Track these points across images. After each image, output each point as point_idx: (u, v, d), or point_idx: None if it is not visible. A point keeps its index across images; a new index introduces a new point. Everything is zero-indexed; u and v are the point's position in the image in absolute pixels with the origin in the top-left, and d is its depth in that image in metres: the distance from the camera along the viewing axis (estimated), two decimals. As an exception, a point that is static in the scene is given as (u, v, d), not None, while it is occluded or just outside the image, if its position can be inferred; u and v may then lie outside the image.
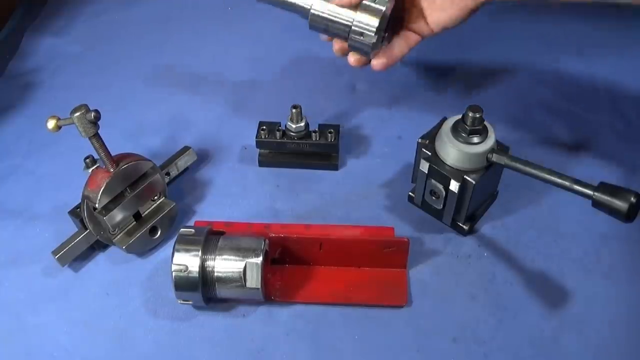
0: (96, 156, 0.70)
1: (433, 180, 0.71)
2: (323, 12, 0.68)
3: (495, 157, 0.67)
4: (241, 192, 0.82)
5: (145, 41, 1.08)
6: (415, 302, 0.69)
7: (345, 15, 0.68)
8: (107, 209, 0.69)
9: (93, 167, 0.71)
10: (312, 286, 0.70)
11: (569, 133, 0.88)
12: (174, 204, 0.76)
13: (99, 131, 0.67)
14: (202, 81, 1.00)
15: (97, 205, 0.68)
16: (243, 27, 1.11)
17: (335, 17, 0.68)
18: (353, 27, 0.67)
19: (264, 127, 0.81)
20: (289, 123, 0.80)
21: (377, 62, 0.72)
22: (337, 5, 0.68)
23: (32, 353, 0.67)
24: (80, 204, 0.71)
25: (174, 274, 0.64)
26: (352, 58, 0.72)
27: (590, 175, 0.64)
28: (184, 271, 0.64)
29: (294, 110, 0.79)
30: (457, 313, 0.68)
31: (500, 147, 0.70)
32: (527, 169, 0.66)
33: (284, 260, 0.72)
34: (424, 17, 0.71)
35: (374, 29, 0.67)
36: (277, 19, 1.13)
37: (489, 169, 0.69)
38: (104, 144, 0.68)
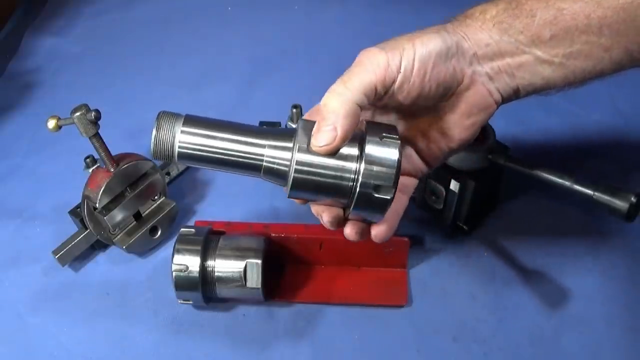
0: (96, 156, 0.70)
1: (433, 180, 0.71)
2: (311, 168, 0.47)
3: (495, 157, 0.67)
4: (241, 192, 0.82)
5: (145, 41, 1.08)
6: (415, 302, 0.69)
7: (346, 168, 0.47)
8: (107, 208, 0.69)
9: (93, 167, 0.71)
10: (312, 286, 0.70)
11: (568, 133, 0.88)
12: (174, 204, 0.76)
13: (99, 131, 0.67)
14: (202, 81, 1.00)
15: (97, 205, 0.68)
16: (243, 27, 1.11)
17: (330, 172, 0.47)
18: (360, 184, 0.46)
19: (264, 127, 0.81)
20: (289, 123, 0.80)
21: (379, 230, 0.50)
22: (326, 151, 0.46)
23: (32, 353, 0.67)
24: (80, 203, 0.71)
25: (174, 273, 0.64)
26: (352, 230, 0.50)
27: (590, 175, 0.64)
28: (184, 271, 0.64)
29: (294, 110, 0.79)
30: (457, 313, 0.68)
31: (500, 147, 0.70)
32: (527, 168, 0.66)
33: (284, 260, 0.72)
34: (420, 157, 0.55)
35: (392, 180, 0.46)
36: (277, 20, 1.14)
37: (489, 169, 0.69)
38: (104, 143, 0.68)
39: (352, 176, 0.47)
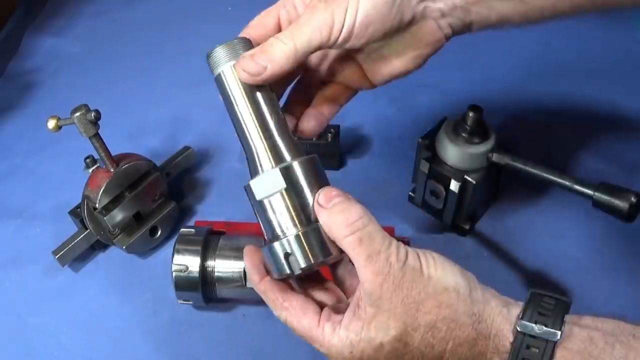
0: (96, 156, 0.70)
1: (433, 180, 0.71)
2: (270, 198, 0.48)
3: (495, 157, 0.67)
4: (241, 192, 0.81)
5: (145, 41, 1.08)
6: (415, 302, 0.69)
7: (285, 219, 0.47)
8: (107, 209, 0.69)
9: (93, 167, 0.71)
10: (312, 286, 0.70)
11: (568, 133, 0.88)
12: (174, 204, 0.76)
13: (99, 131, 0.67)
14: (202, 81, 0.99)
15: (97, 205, 0.68)
16: (243, 27, 1.10)
17: (268, 213, 0.48)
18: (280, 242, 0.47)
19: (264, 127, 0.81)
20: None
21: (307, 126, 0.56)
22: (245, 79, 0.49)
23: (32, 353, 0.67)
24: (80, 204, 0.71)
25: (174, 274, 0.64)
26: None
27: (590, 175, 0.64)
28: (184, 271, 0.64)
29: (294, 110, 0.79)
30: (457, 313, 0.68)
31: (500, 147, 0.70)
32: (527, 168, 0.66)
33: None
34: (363, 73, 0.56)
35: (302, 266, 0.46)
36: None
37: (489, 169, 0.69)
38: (104, 143, 0.68)
39: (280, 232, 0.47)
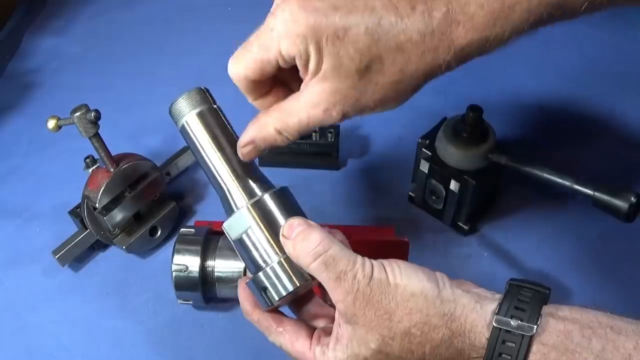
0: (96, 156, 0.70)
1: (433, 180, 0.71)
2: (250, 237, 0.48)
3: (495, 157, 0.67)
4: (241, 192, 0.82)
5: (145, 41, 1.08)
6: (415, 302, 0.69)
7: (267, 253, 0.48)
8: (107, 209, 0.69)
9: (93, 167, 0.71)
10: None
11: (568, 133, 0.88)
12: (174, 204, 0.76)
13: (99, 131, 0.67)
14: (202, 81, 0.99)
15: (97, 205, 0.68)
16: (243, 27, 1.10)
17: (257, 248, 0.48)
18: (263, 272, 0.48)
19: (264, 127, 0.81)
20: (289, 123, 0.80)
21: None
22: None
23: (32, 353, 0.67)
24: (80, 203, 0.71)
25: (174, 274, 0.64)
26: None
27: (590, 175, 0.63)
28: (184, 271, 0.64)
29: (294, 110, 0.79)
30: (457, 313, 0.68)
31: (500, 147, 0.70)
32: (527, 168, 0.66)
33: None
34: None
35: (268, 303, 0.49)
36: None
37: (489, 169, 0.69)
38: (104, 143, 0.68)
39: (262, 262, 0.48)
